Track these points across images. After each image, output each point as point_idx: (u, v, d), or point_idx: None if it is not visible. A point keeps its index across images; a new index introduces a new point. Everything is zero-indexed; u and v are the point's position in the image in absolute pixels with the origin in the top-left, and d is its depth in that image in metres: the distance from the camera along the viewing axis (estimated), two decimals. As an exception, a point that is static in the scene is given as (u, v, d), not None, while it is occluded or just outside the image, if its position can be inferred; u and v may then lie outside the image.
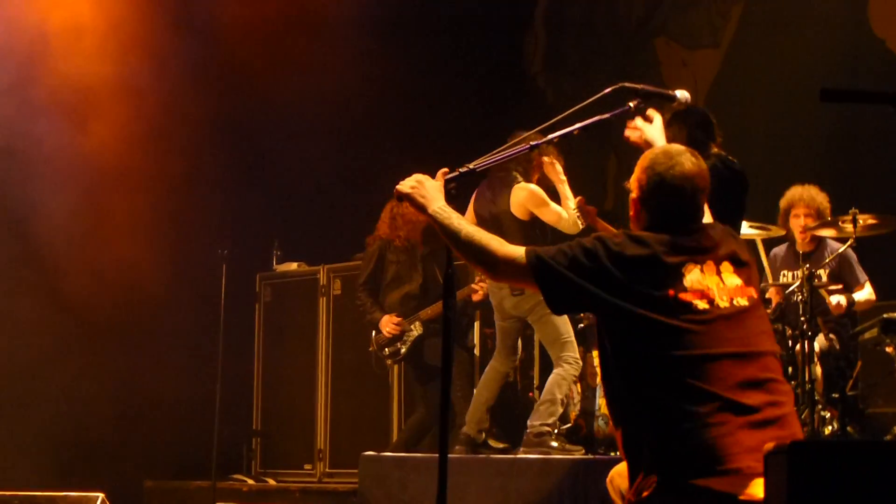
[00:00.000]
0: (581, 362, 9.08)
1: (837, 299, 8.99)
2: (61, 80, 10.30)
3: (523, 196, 8.97)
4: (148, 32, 10.77)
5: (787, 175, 9.92)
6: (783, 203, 9.45)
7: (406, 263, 10.15)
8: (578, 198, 8.80)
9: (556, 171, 9.08)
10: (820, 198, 9.34)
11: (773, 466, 4.60)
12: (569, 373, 8.95)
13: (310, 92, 11.85)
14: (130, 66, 10.68)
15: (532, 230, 9.01)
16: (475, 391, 9.24)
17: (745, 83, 11.95)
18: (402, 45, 12.51)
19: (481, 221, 9.07)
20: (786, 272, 9.50)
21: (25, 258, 10.53)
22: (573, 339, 9.05)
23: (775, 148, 11.42)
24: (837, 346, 9.04)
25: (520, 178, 9.04)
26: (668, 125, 8.12)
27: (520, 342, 9.48)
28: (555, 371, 8.97)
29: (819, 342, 8.88)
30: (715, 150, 8.08)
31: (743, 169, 8.16)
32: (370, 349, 10.19)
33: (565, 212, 8.95)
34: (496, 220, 8.96)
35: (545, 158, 9.01)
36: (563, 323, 9.02)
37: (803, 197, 9.37)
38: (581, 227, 8.85)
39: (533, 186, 8.99)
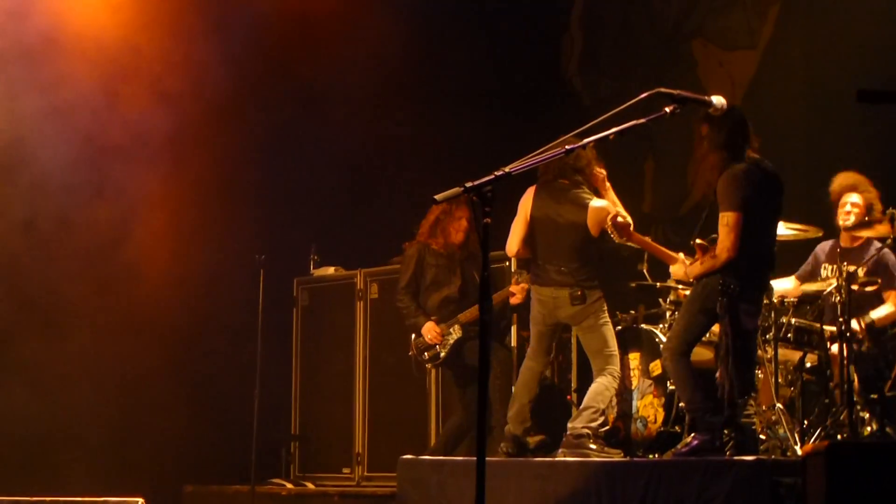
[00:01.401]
0: (620, 375, 9.11)
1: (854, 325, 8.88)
2: (95, 87, 10.36)
3: (602, 216, 8.99)
4: (184, 38, 10.81)
5: (826, 177, 9.87)
6: (835, 185, 9.41)
7: (445, 267, 10.15)
8: (611, 215, 8.82)
9: (606, 185, 9.13)
10: (872, 193, 9.30)
11: (811, 467, 4.59)
12: (612, 384, 9.02)
13: (347, 96, 11.89)
14: (168, 72, 10.72)
15: (592, 244, 9.08)
16: (514, 392, 9.24)
17: (782, 84, 11.89)
18: (440, 48, 12.52)
19: (543, 226, 9.08)
20: (826, 265, 9.44)
21: (53, 270, 10.58)
22: (617, 352, 9.08)
23: (814, 149, 11.36)
24: (874, 349, 8.98)
25: (588, 193, 9.09)
26: (704, 129, 8.17)
27: (553, 344, 9.51)
28: (598, 380, 9.01)
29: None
30: (750, 153, 8.09)
31: (777, 172, 8.17)
32: (410, 353, 10.20)
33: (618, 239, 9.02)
34: (566, 230, 9.03)
35: (599, 172, 9.05)
36: (611, 336, 9.09)
37: (857, 187, 9.30)
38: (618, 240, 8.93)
39: (605, 202, 9.02)
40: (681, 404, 8.83)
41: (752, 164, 8.09)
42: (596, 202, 9.04)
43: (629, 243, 8.97)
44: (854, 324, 8.71)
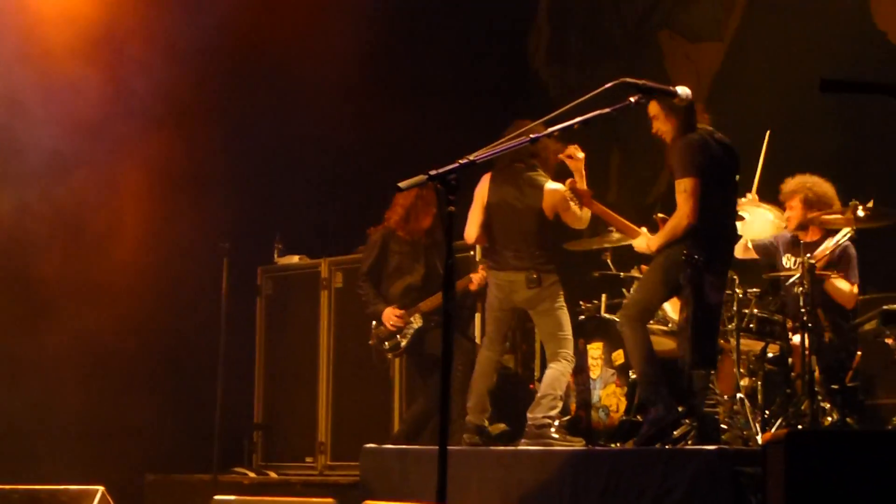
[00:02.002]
0: (574, 360, 9.11)
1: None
2: (55, 72, 10.31)
3: (557, 199, 9.01)
4: (153, 25, 10.78)
5: (791, 167, 9.91)
6: (782, 192, 9.51)
7: (409, 254, 10.11)
8: (569, 180, 8.84)
9: (578, 163, 9.06)
10: (812, 189, 9.34)
11: (771, 456, 4.60)
12: (566, 369, 9.03)
13: (314, 85, 11.85)
14: (135, 58, 10.68)
15: (548, 228, 9.10)
16: (472, 382, 9.22)
17: (748, 75, 11.93)
18: (406, 38, 12.52)
19: (499, 211, 9.08)
20: (789, 256, 9.48)
21: (17, 254, 10.53)
22: (571, 336, 9.09)
23: (779, 140, 11.40)
24: (836, 340, 9.05)
25: (544, 175, 9.08)
26: (652, 107, 8.24)
27: (518, 334, 9.51)
28: (552, 366, 9.00)
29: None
30: (703, 125, 8.17)
31: (732, 144, 8.24)
32: (370, 342, 10.17)
33: (580, 210, 9.00)
34: (522, 214, 9.03)
35: (568, 152, 9.00)
36: (566, 320, 9.08)
37: (795, 191, 9.39)
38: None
39: (563, 188, 9.01)
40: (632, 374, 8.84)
41: (706, 134, 8.15)
42: (551, 185, 9.05)
43: (591, 210, 8.91)
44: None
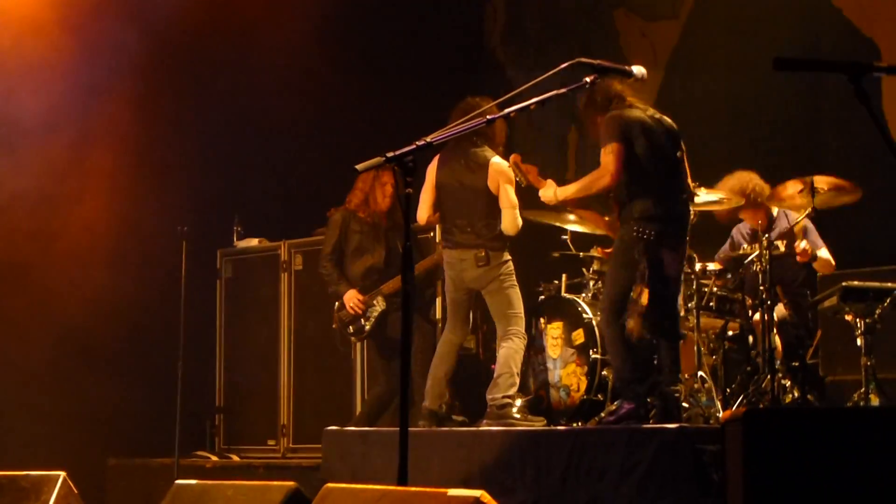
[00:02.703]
0: (527, 336, 9.12)
1: (804, 245, 9.08)
2: (19, 46, 10.29)
3: (498, 171, 8.96)
4: (110, 6, 10.74)
5: (746, 145, 9.96)
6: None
7: (369, 234, 10.09)
8: (514, 155, 8.82)
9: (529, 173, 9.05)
10: (735, 184, 9.37)
11: (730, 434, 4.62)
12: (519, 346, 8.99)
13: (267, 66, 11.82)
14: (78, 47, 10.63)
15: (496, 204, 9.02)
16: (432, 365, 9.22)
17: (704, 54, 11.96)
18: (360, 19, 12.48)
19: (448, 190, 9.07)
20: (745, 246, 9.57)
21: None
22: (523, 314, 9.06)
23: (735, 118, 11.45)
24: (795, 317, 9.12)
25: (490, 151, 9.05)
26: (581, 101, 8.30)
27: (478, 315, 9.48)
28: (504, 345, 8.96)
29: (778, 311, 8.95)
30: (634, 103, 8.21)
31: (667, 121, 8.27)
32: (333, 326, 10.16)
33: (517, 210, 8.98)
34: (469, 191, 9.00)
35: (515, 163, 8.97)
36: (517, 298, 9.05)
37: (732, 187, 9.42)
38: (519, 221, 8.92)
39: (507, 164, 8.99)
40: (604, 372, 8.88)
41: (634, 109, 8.18)
42: (496, 160, 9.01)
43: (536, 186, 8.82)
44: (806, 244, 8.99)
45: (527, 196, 9.04)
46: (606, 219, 8.68)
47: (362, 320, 9.97)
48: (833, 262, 9.33)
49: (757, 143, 10.65)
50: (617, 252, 8.25)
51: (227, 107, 11.78)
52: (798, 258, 9.16)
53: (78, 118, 10.74)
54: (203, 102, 11.68)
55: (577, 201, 8.63)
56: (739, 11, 11.66)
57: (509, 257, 9.06)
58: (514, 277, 9.05)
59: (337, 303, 10.08)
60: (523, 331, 9.04)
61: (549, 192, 8.51)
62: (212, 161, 11.76)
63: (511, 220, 8.95)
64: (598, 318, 8.68)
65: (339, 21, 12.04)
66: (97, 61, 10.69)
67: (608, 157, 8.00)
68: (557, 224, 9.63)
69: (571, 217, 9.42)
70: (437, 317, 10.33)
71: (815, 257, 9.22)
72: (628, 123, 8.07)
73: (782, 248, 9.02)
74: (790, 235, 9.21)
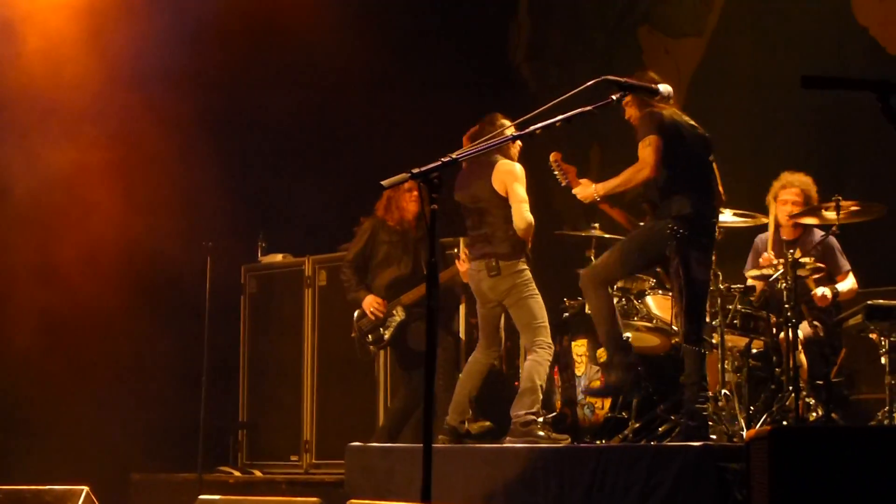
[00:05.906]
0: (553, 346, 9.02)
1: (822, 291, 9.06)
2: (38, 74, 10.31)
3: (504, 171, 8.84)
4: (141, 14, 10.78)
5: (772, 164, 9.94)
6: (775, 186, 9.50)
7: (398, 245, 10.08)
8: (554, 153, 8.75)
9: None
10: (809, 185, 9.39)
11: (755, 452, 4.61)
12: (544, 358, 8.85)
13: (293, 83, 11.85)
14: (112, 60, 10.66)
15: (508, 208, 8.88)
16: (458, 382, 9.19)
17: (728, 71, 11.95)
18: (385, 34, 12.50)
19: (466, 206, 9.04)
20: (768, 255, 9.51)
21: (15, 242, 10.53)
22: (547, 323, 8.94)
23: (760, 136, 11.43)
24: (822, 334, 9.08)
25: (500, 157, 8.98)
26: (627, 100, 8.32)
27: (503, 332, 9.42)
28: (529, 357, 8.88)
29: (803, 329, 8.91)
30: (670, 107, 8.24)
31: (701, 129, 8.29)
32: (353, 335, 10.16)
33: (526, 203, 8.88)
34: (482, 200, 8.92)
35: (556, 161, 8.91)
36: (539, 307, 8.93)
37: (794, 182, 9.42)
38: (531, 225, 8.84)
39: (517, 164, 8.92)
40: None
41: (670, 111, 8.20)
42: (503, 161, 8.88)
43: (573, 188, 8.72)
44: (826, 291, 8.98)
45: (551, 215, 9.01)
46: (587, 180, 8.59)
47: (382, 329, 9.95)
48: (856, 287, 9.28)
49: (782, 163, 10.61)
50: (642, 236, 8.28)
51: (254, 122, 11.82)
52: (818, 303, 9.11)
53: (108, 134, 10.77)
54: (230, 119, 11.71)
55: (609, 200, 8.62)
56: (763, 30, 11.66)
57: (524, 266, 8.91)
58: (532, 286, 8.91)
59: (357, 311, 10.08)
60: (549, 341, 8.92)
61: (589, 189, 8.46)
62: (237, 176, 11.79)
63: (520, 214, 8.77)
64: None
65: (362, 38, 12.05)
66: (125, 69, 10.72)
67: (647, 149, 8.04)
68: (583, 234, 9.62)
69: (595, 224, 9.43)
70: (459, 330, 10.32)
71: (837, 295, 9.16)
72: (665, 120, 8.11)
73: (809, 266, 8.92)
74: (816, 256, 9.14)
